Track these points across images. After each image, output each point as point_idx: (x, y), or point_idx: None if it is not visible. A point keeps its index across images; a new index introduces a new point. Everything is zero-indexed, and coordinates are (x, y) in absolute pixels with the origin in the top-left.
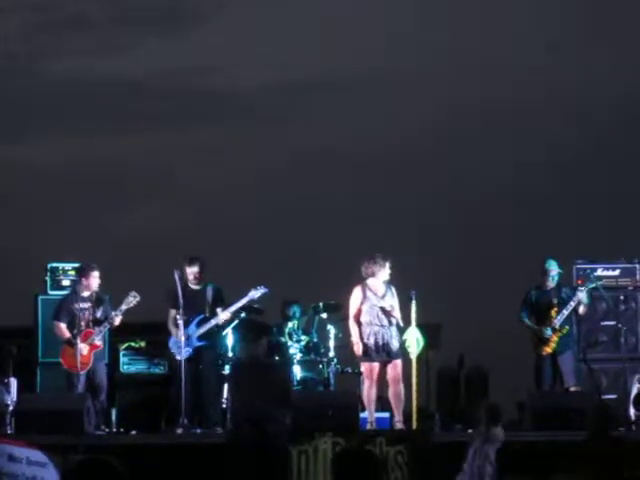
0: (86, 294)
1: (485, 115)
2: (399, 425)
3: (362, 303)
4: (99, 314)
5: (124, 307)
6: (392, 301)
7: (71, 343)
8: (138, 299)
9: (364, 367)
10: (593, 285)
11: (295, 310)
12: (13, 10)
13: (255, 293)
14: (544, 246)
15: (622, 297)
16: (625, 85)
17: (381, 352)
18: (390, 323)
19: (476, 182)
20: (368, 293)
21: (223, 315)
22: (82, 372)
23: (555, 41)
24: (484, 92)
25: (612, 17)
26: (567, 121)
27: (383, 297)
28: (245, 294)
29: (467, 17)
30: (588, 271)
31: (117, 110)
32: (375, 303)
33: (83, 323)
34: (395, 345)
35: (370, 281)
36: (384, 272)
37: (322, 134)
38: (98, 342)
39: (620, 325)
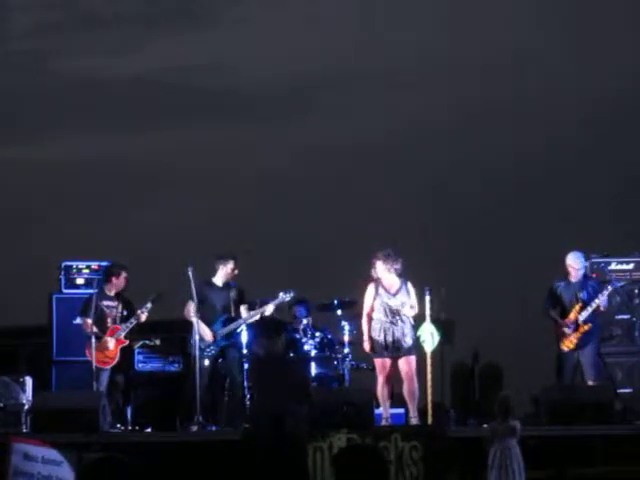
0: (113, 293)
1: (486, 112)
2: (414, 421)
3: (374, 299)
4: (126, 312)
5: (149, 305)
6: (405, 298)
7: (97, 338)
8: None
9: (376, 363)
10: (619, 285)
11: (301, 310)
12: (28, 9)
13: (285, 296)
14: (560, 242)
15: (636, 291)
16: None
17: (390, 348)
18: (402, 320)
19: (491, 179)
20: (380, 290)
21: (252, 316)
22: (107, 367)
23: (555, 37)
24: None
25: (611, 13)
26: (569, 117)
27: (396, 294)
28: (275, 297)
29: (466, 16)
30: (602, 265)
31: (130, 108)
32: (385, 300)
33: (110, 320)
34: (407, 342)
35: (384, 278)
36: (385, 268)
37: (329, 132)
38: (124, 338)
39: (634, 319)
